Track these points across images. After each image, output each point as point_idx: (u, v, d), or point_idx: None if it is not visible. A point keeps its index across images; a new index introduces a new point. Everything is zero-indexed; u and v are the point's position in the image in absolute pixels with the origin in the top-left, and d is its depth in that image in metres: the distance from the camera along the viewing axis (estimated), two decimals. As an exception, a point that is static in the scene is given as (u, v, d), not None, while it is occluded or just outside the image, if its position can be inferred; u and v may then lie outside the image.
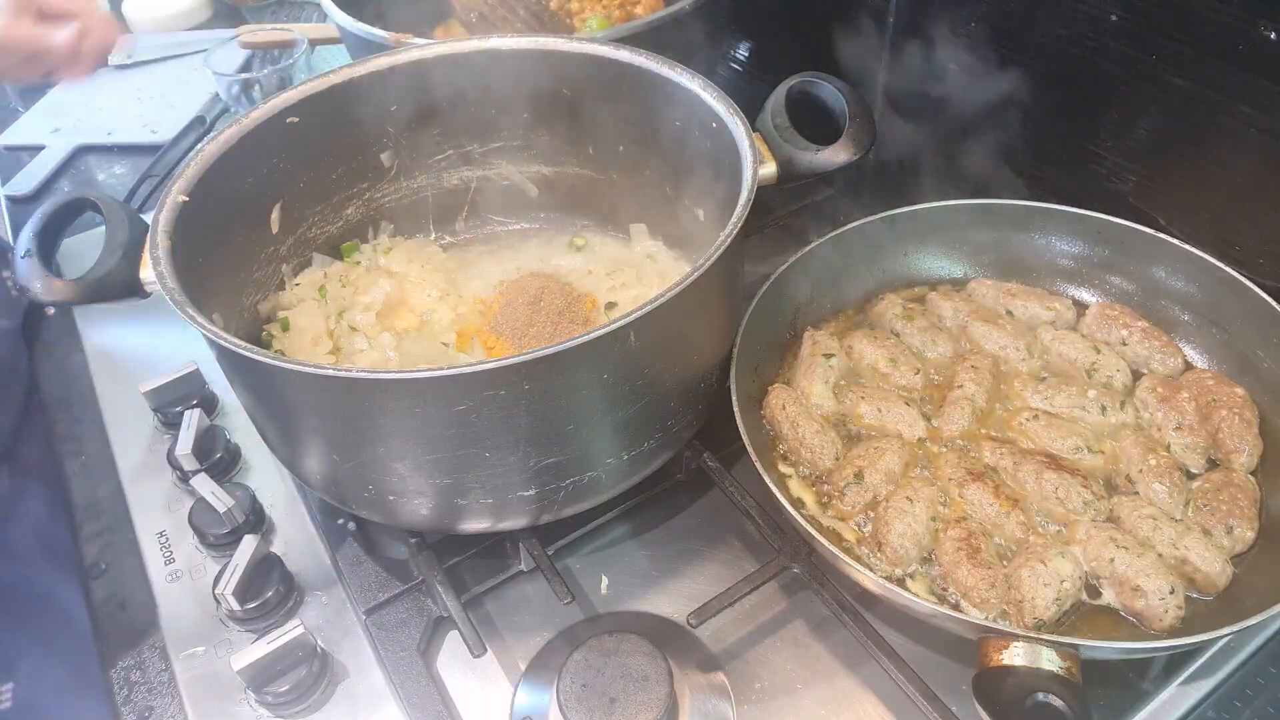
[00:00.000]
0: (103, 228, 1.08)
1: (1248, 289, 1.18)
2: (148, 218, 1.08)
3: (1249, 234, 1.21)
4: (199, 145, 1.16)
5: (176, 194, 1.10)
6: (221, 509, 1.20)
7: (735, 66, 1.86)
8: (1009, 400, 1.23)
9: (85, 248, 1.15)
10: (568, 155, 1.44)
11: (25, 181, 1.99)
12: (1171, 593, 0.99)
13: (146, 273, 1.05)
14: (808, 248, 1.32)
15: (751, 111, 1.18)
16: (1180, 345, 1.26)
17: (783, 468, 1.18)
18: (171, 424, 1.36)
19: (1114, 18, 1.21)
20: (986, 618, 1.00)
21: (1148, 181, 1.29)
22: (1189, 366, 1.25)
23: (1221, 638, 0.94)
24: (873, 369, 1.28)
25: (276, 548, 1.21)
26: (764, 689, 1.06)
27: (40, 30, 1.29)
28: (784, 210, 1.62)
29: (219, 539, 1.21)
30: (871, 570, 1.01)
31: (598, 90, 1.30)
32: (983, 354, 1.28)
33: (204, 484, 1.21)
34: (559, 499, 1.06)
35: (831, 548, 1.00)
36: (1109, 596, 1.03)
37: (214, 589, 1.13)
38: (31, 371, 1.50)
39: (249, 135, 1.20)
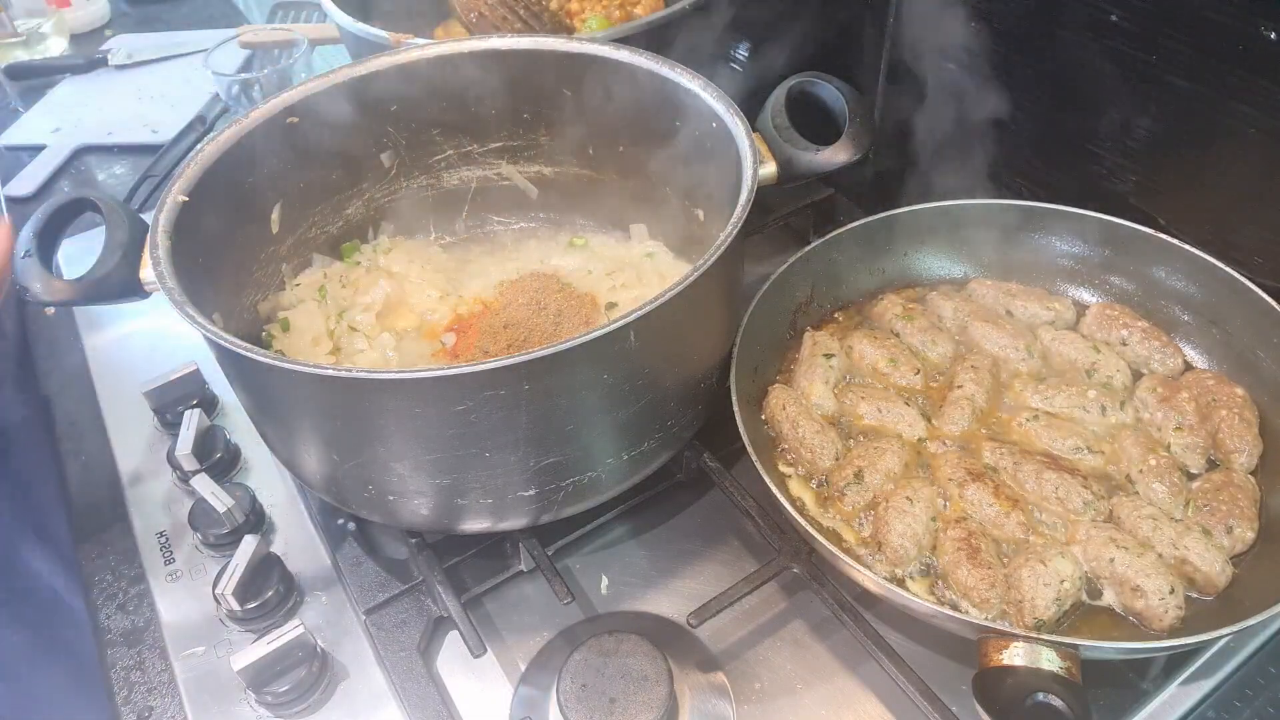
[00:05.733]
0: (103, 228, 1.09)
1: (1248, 289, 1.18)
2: (148, 218, 1.08)
3: (1249, 234, 1.21)
4: (199, 145, 1.16)
5: (176, 194, 1.10)
6: (221, 509, 1.20)
7: (735, 66, 1.86)
8: (1009, 400, 1.23)
9: (85, 248, 1.15)
10: (568, 155, 1.44)
11: (25, 181, 2.00)
12: (1171, 593, 0.99)
13: (146, 273, 1.05)
14: (808, 248, 1.32)
15: (751, 111, 1.18)
16: (1180, 345, 1.26)
17: (783, 468, 1.18)
18: (171, 424, 1.36)
19: (1114, 18, 1.21)
20: (986, 618, 1.00)
21: (1148, 181, 1.29)
22: (1189, 366, 1.25)
23: (1221, 638, 0.93)
24: (873, 369, 1.28)
25: (276, 548, 1.21)
26: (764, 689, 1.06)
27: None
28: (784, 210, 1.62)
29: (219, 539, 1.21)
30: (871, 570, 1.01)
31: (598, 90, 1.30)
32: (983, 354, 1.28)
33: (204, 484, 1.21)
34: (559, 499, 1.07)
35: (831, 548, 1.00)
36: (1109, 596, 1.03)
37: (214, 589, 1.13)
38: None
39: (249, 135, 1.20)
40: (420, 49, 1.30)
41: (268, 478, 1.32)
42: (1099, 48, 1.24)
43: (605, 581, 1.18)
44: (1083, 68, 1.27)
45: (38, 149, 2.10)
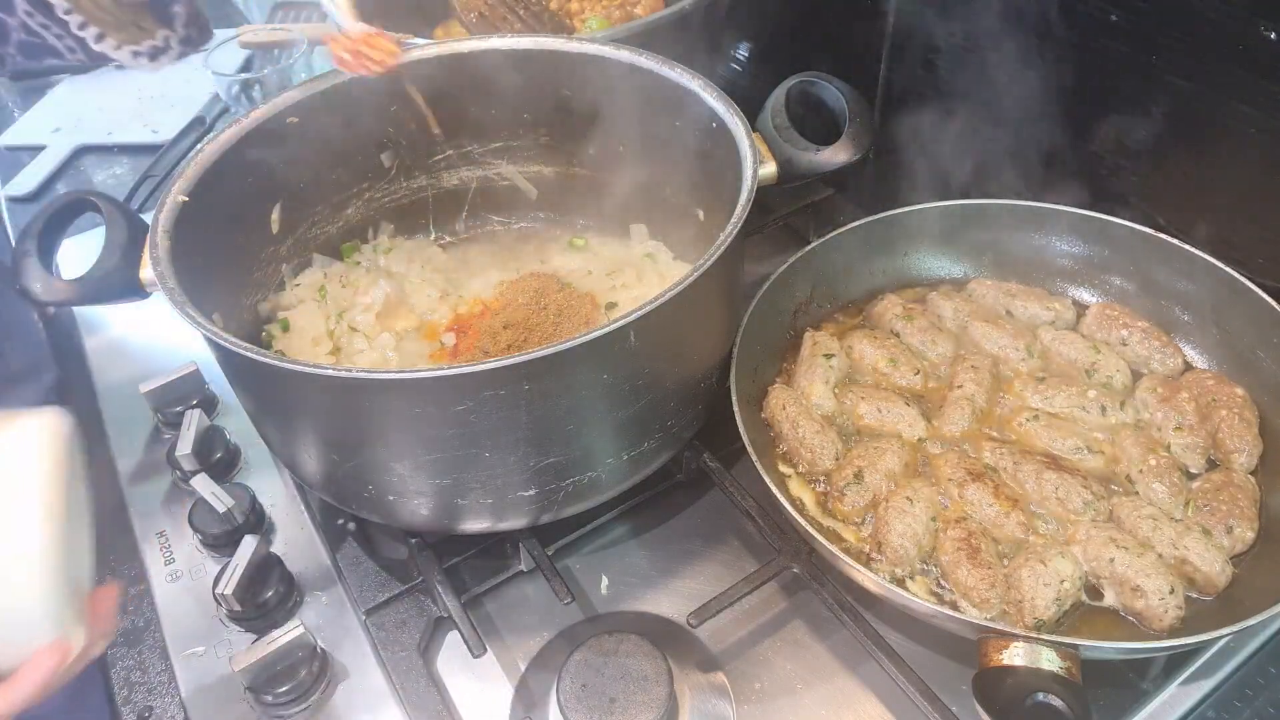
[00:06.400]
0: (103, 228, 1.09)
1: (1248, 289, 1.18)
2: (148, 218, 1.08)
3: (1249, 234, 1.21)
4: (199, 145, 1.16)
5: (176, 194, 1.10)
6: (221, 509, 1.20)
7: (735, 66, 1.86)
8: (1009, 400, 1.23)
9: (85, 248, 1.14)
10: (568, 155, 1.44)
11: (25, 181, 1.99)
12: (1171, 593, 0.99)
13: (146, 273, 1.05)
14: (808, 248, 1.32)
15: (751, 111, 1.18)
16: (1180, 345, 1.26)
17: (783, 468, 1.18)
18: (171, 424, 1.36)
19: (1114, 18, 1.21)
20: (986, 618, 1.00)
21: (1148, 181, 1.29)
22: (1189, 366, 1.25)
23: (1221, 638, 0.94)
24: (873, 369, 1.28)
25: (276, 548, 1.21)
26: (764, 689, 1.06)
27: None
28: (784, 210, 1.62)
29: (219, 539, 1.21)
30: (871, 570, 1.01)
31: (598, 90, 1.30)
32: (983, 354, 1.28)
33: (204, 484, 1.21)
34: (559, 499, 1.07)
35: (831, 548, 1.00)
36: (1109, 596, 1.03)
37: (214, 589, 1.13)
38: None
39: (249, 135, 1.20)
40: (420, 49, 1.30)
41: (268, 478, 1.32)
42: (1099, 48, 1.24)
43: (605, 581, 1.18)
44: (1083, 68, 1.27)
45: (38, 149, 2.09)
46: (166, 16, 1.27)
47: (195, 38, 1.33)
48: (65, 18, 1.19)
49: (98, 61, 1.28)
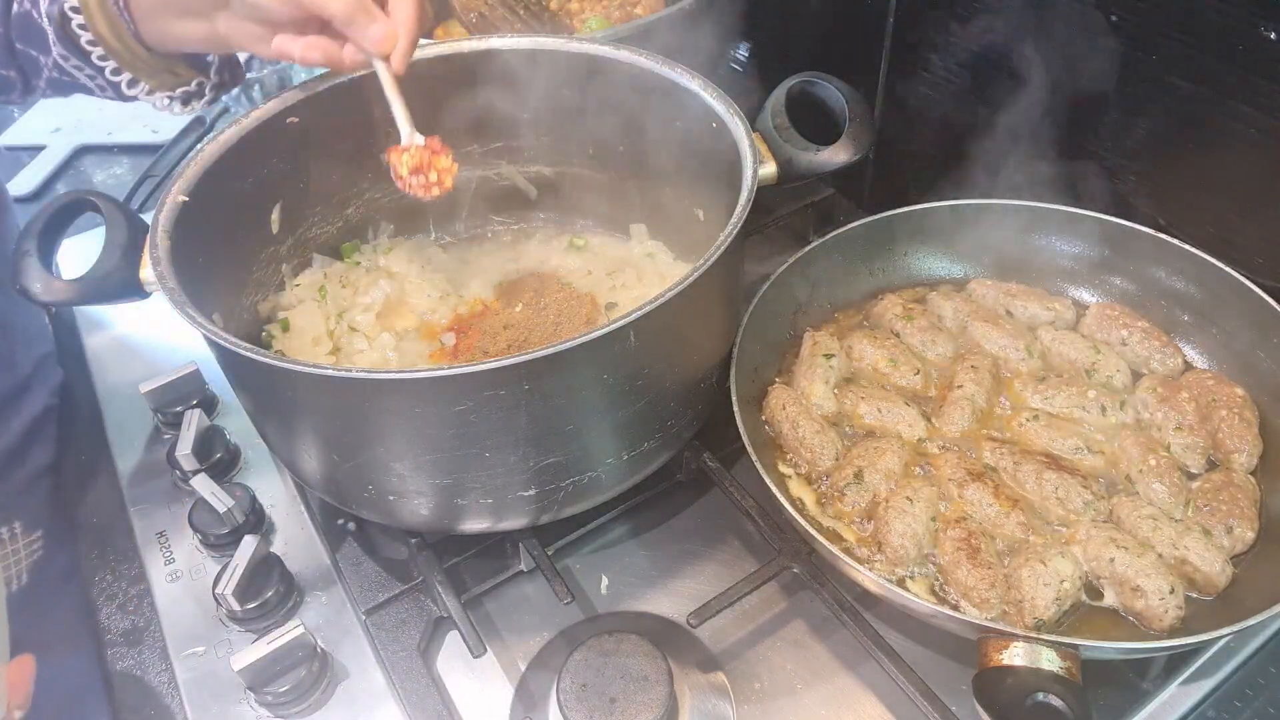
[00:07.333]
0: (103, 228, 1.09)
1: (1248, 289, 1.18)
2: (148, 218, 1.08)
3: (1249, 234, 1.21)
4: (199, 145, 1.16)
5: (176, 194, 1.10)
6: (221, 509, 1.20)
7: (735, 66, 1.86)
8: (1009, 400, 1.23)
9: (85, 248, 1.15)
10: (568, 155, 1.44)
11: (25, 181, 2.00)
12: (1171, 593, 0.99)
13: (146, 273, 1.05)
14: (808, 248, 1.32)
15: (751, 111, 1.18)
16: (1180, 345, 1.26)
17: (783, 468, 1.18)
18: (171, 424, 1.36)
19: (1114, 18, 1.21)
20: (986, 618, 1.00)
21: (1148, 181, 1.29)
22: (1189, 366, 1.25)
23: (1221, 638, 0.94)
24: (873, 369, 1.28)
25: (276, 548, 1.21)
26: (764, 689, 1.06)
27: None
28: (784, 210, 1.62)
29: (219, 539, 1.21)
30: (871, 570, 1.01)
31: (598, 90, 1.30)
32: (983, 354, 1.28)
33: (204, 484, 1.21)
34: (559, 499, 1.07)
35: (831, 548, 1.00)
36: (1109, 596, 1.03)
37: (214, 589, 1.13)
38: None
39: (249, 135, 1.20)
40: (420, 49, 1.30)
41: (268, 478, 1.32)
42: (1099, 48, 1.24)
43: (605, 581, 1.18)
44: (1083, 68, 1.27)
45: (38, 149, 2.10)
46: (200, 62, 1.27)
47: (228, 81, 1.32)
48: (100, 64, 1.19)
49: (127, 100, 1.28)
